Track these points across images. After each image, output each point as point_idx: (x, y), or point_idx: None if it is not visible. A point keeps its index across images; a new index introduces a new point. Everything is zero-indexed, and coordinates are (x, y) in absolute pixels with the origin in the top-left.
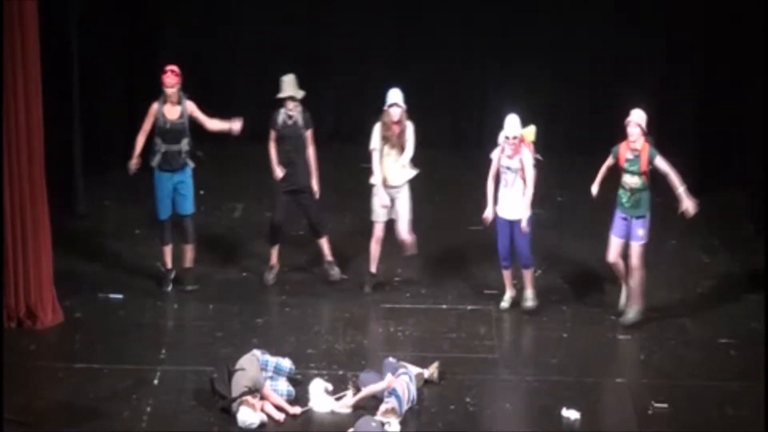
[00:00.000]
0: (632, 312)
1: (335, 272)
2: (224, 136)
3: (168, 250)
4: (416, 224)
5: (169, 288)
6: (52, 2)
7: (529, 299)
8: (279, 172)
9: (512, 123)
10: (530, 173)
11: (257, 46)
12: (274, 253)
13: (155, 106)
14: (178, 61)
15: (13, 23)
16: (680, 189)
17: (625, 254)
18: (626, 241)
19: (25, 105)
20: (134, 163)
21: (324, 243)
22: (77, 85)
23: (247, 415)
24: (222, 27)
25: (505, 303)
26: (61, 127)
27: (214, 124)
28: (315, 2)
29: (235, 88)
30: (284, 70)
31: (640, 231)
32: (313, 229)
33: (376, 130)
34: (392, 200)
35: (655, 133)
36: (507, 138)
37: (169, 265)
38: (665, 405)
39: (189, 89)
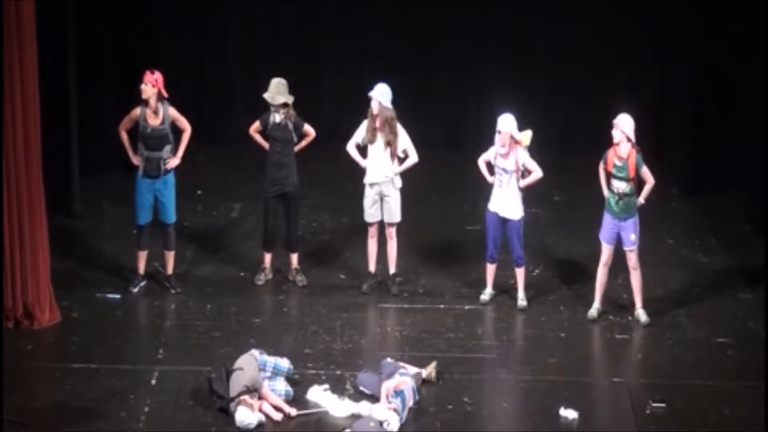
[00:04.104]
0: (643, 314)
1: (302, 279)
2: (221, 137)
3: (143, 256)
4: (414, 224)
5: (136, 290)
6: (49, 3)
7: (522, 299)
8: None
9: (503, 119)
10: (535, 165)
11: (255, 45)
12: (267, 257)
13: (137, 110)
14: (175, 63)
15: (10, 24)
16: (641, 199)
17: (616, 257)
18: (617, 247)
19: (22, 106)
20: (136, 159)
21: (293, 257)
22: (74, 87)
23: (245, 415)
24: (219, 27)
25: (485, 296)
26: (58, 127)
27: (185, 138)
28: (313, 2)
29: (232, 88)
30: (281, 69)
31: (632, 236)
32: (288, 240)
33: (364, 124)
34: (381, 197)
35: (652, 133)
36: (498, 132)
37: (142, 271)
38: (663, 404)
39: (186, 91)
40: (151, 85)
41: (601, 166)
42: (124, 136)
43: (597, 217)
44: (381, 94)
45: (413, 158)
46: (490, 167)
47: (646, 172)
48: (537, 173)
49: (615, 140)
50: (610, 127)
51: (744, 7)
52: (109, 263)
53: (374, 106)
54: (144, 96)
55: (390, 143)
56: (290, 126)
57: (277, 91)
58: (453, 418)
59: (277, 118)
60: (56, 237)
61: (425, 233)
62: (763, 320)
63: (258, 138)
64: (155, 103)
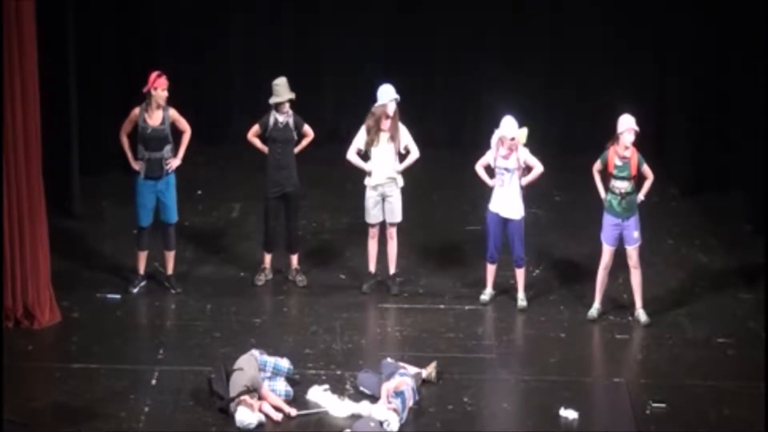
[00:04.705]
0: (643, 314)
1: (302, 279)
2: (221, 137)
3: (143, 256)
4: (413, 224)
5: (136, 290)
6: (49, 3)
7: (522, 299)
8: (262, 146)
9: (509, 124)
10: (536, 161)
11: (255, 45)
12: (268, 258)
13: (136, 111)
14: (175, 63)
15: (10, 24)
16: (641, 196)
17: (616, 257)
18: (618, 248)
19: (22, 106)
20: (136, 164)
21: (294, 258)
22: (74, 87)
23: (245, 415)
24: (219, 27)
25: (485, 297)
26: (58, 128)
27: (185, 140)
28: (312, 2)
29: (232, 88)
30: (281, 70)
31: (635, 234)
32: (288, 240)
33: (363, 129)
34: (383, 198)
35: (652, 133)
36: (503, 138)
37: (142, 271)
38: (663, 404)
39: (186, 91)
40: (166, 89)
41: (597, 167)
42: (125, 141)
43: (597, 217)
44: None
45: (415, 154)
46: (489, 170)
47: (646, 169)
48: (538, 168)
49: (627, 144)
50: (610, 126)
51: (744, 6)
52: (109, 263)
53: (392, 108)
54: (160, 102)
55: (393, 137)
56: (291, 125)
57: (285, 90)
58: (453, 418)
59: (279, 118)
60: (56, 237)
61: (425, 233)
62: (763, 320)
63: (257, 142)
64: (165, 102)
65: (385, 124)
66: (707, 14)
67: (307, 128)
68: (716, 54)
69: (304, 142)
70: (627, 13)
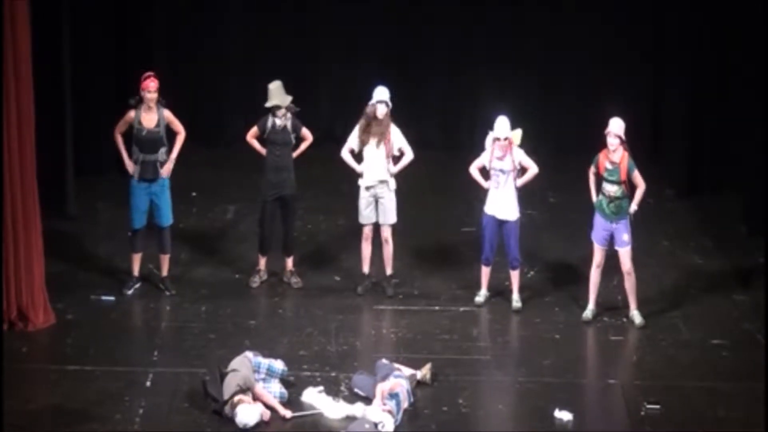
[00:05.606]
0: (638, 316)
1: (297, 280)
2: (216, 138)
3: (137, 258)
4: (409, 225)
5: (130, 292)
6: (44, 3)
7: (517, 301)
8: (261, 149)
9: (502, 124)
10: (531, 162)
11: (250, 47)
12: (263, 260)
13: (132, 113)
14: (170, 64)
15: (5, 24)
16: (634, 206)
17: (610, 259)
18: (610, 249)
19: (16, 107)
20: (131, 166)
21: (289, 260)
22: (69, 88)
23: (245, 415)
24: (215, 28)
25: (480, 298)
26: (52, 129)
27: (178, 141)
28: (310, 4)
29: (228, 90)
30: (277, 71)
31: (625, 236)
32: (285, 242)
33: (357, 128)
34: (376, 199)
35: (648, 134)
36: (497, 139)
37: (136, 273)
38: (658, 406)
39: (181, 92)
40: (156, 90)
41: (592, 170)
42: (120, 140)
43: (592, 218)
44: (388, 97)
45: (409, 155)
46: (483, 172)
47: (637, 177)
48: (533, 169)
49: (612, 148)
50: (606, 127)
51: (742, 7)
52: (104, 265)
53: (382, 111)
54: (152, 104)
55: (383, 135)
56: (289, 128)
57: (281, 94)
58: (448, 420)
59: (277, 121)
60: (51, 239)
61: (421, 235)
62: (758, 321)
63: (256, 144)
64: (155, 104)
65: (375, 125)
66: (706, 14)
67: (305, 132)
68: (714, 55)
69: (303, 146)
70: (624, 13)
